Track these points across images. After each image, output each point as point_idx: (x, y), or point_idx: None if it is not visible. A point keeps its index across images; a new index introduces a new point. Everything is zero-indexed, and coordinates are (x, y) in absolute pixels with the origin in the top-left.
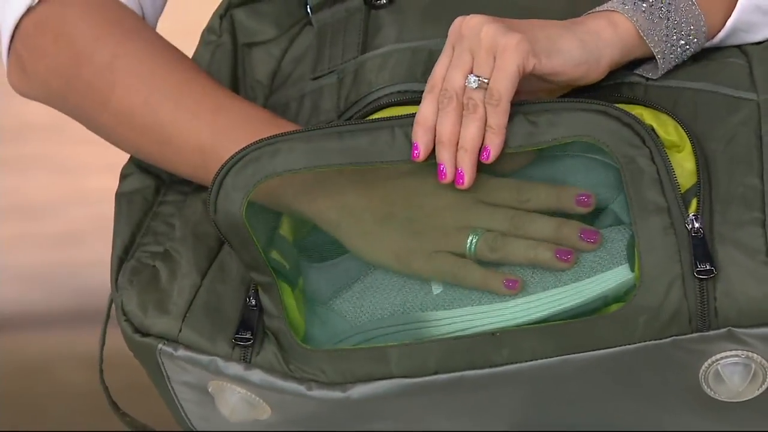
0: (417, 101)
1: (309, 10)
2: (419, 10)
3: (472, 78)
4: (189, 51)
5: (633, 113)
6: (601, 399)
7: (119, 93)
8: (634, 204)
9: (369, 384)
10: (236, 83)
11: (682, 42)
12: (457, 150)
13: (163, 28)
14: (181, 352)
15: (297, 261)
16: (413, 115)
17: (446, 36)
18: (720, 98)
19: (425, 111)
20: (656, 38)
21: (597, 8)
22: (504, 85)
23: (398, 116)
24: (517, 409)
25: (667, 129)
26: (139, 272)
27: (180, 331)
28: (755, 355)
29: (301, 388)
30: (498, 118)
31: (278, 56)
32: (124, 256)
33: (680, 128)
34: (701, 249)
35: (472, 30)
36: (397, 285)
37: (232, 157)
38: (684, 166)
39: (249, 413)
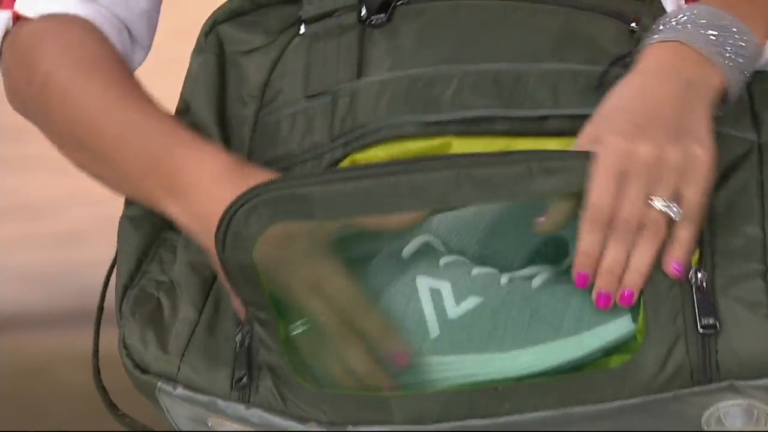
0: (412, 135)
1: (302, 22)
2: (414, 33)
3: (671, 204)
4: (188, 51)
5: None
6: None
7: (55, 110)
8: None
9: (369, 427)
10: (224, 97)
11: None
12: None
13: (163, 28)
14: (180, 390)
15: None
16: (413, 162)
17: (442, 62)
18: (721, 140)
19: (592, 243)
20: (735, 89)
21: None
22: (703, 200)
23: (403, 162)
24: None
25: None
26: (143, 304)
27: (178, 369)
28: (757, 402)
29: (300, 428)
30: (695, 232)
31: (268, 66)
32: (129, 283)
33: None
34: (704, 303)
35: (653, 157)
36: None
37: (244, 195)
38: None
39: None
